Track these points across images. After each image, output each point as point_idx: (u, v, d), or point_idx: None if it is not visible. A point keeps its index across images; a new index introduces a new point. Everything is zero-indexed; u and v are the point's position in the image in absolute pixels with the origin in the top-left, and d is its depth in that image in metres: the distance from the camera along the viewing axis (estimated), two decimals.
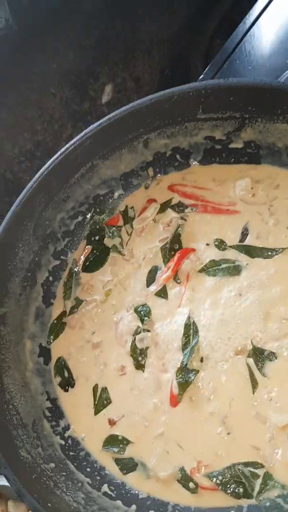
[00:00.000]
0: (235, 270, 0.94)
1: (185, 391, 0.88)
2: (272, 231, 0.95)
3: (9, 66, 1.18)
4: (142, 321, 0.98)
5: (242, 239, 0.97)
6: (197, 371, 0.89)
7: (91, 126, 1.00)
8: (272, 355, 0.86)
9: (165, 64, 1.48)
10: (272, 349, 0.86)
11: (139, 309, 0.99)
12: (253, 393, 0.85)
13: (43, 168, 1.01)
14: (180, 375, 0.89)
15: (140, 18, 1.30)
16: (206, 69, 1.40)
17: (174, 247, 1.01)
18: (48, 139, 1.38)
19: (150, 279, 1.02)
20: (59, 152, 1.01)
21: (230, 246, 0.97)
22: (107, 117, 0.99)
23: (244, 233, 0.98)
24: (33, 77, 1.24)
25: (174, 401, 0.89)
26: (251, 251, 0.95)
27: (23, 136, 1.33)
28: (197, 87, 0.93)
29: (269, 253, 0.94)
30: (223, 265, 0.95)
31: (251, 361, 0.86)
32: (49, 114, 1.34)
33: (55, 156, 1.01)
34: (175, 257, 0.99)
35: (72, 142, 1.00)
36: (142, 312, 0.99)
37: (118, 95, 1.46)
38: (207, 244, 0.99)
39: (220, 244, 0.98)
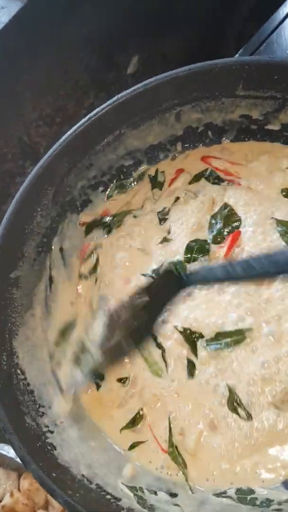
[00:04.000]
0: None
1: None
2: None
3: (42, 29, 1.14)
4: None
5: None
6: None
7: (125, 91, 0.96)
8: None
9: (194, 43, 1.45)
10: None
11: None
12: None
13: (71, 130, 0.96)
14: None
15: None
16: (241, 50, 1.37)
17: (227, 227, 0.94)
18: (69, 105, 1.35)
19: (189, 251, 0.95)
20: (88, 115, 0.97)
21: None
22: (143, 83, 0.95)
23: None
24: (63, 41, 1.21)
25: None
26: None
27: (46, 99, 1.30)
28: (242, 61, 0.90)
29: None
30: None
31: None
32: (74, 79, 1.32)
33: (84, 119, 0.97)
34: (228, 240, 0.92)
35: (104, 105, 0.96)
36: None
37: (144, 68, 1.43)
38: None
39: None
